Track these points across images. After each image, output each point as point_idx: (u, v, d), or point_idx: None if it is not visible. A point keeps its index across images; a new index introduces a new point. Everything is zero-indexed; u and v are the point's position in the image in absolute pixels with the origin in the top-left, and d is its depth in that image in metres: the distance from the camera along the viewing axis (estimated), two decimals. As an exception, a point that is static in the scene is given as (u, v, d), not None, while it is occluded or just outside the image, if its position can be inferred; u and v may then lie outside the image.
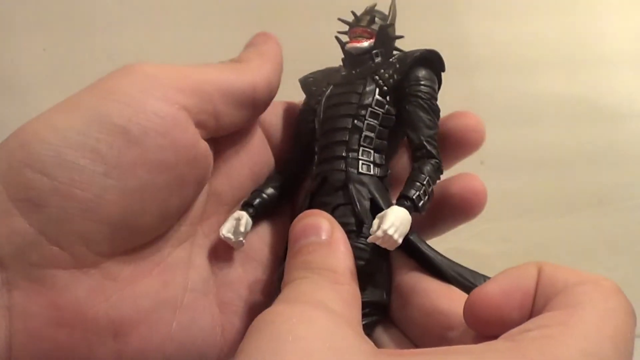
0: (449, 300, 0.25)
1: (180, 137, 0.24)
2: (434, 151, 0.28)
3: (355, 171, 0.27)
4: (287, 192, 0.31)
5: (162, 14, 0.63)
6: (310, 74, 0.32)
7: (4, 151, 0.21)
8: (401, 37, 0.30)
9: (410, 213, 0.26)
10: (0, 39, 0.64)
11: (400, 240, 0.25)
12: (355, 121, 0.28)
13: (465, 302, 0.22)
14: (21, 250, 0.21)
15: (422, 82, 0.29)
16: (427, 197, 0.27)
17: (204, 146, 0.26)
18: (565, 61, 0.67)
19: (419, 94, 0.29)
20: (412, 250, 0.27)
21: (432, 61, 0.30)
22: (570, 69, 0.67)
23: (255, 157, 0.30)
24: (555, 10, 0.67)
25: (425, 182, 0.27)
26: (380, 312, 0.26)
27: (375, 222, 0.25)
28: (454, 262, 0.27)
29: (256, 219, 0.29)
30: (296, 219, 0.25)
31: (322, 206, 0.27)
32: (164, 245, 0.26)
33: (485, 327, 0.21)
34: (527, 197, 0.64)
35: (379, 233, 0.24)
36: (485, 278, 0.25)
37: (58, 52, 0.62)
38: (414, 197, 0.26)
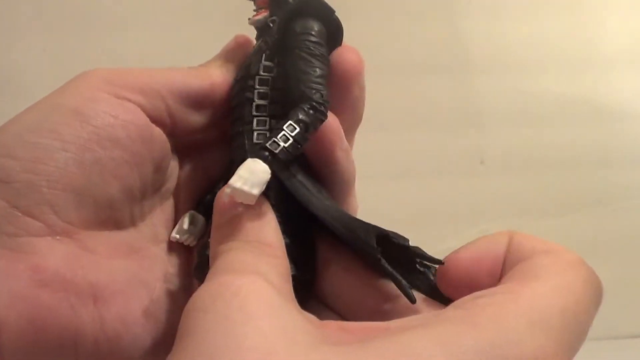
0: (377, 275, 0.25)
1: (131, 117, 0.26)
2: (310, 93, 0.26)
3: (251, 142, 0.26)
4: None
5: (162, 14, 0.63)
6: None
7: None
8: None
9: (266, 161, 0.24)
10: (0, 39, 0.64)
11: (254, 191, 0.23)
12: (246, 93, 0.27)
13: (438, 268, 0.23)
14: None
15: (298, 32, 0.27)
16: (289, 142, 0.25)
17: (158, 131, 0.27)
18: (565, 61, 0.67)
19: (296, 44, 0.27)
20: (295, 202, 0.26)
21: (309, 11, 0.28)
22: (571, 69, 0.67)
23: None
24: (555, 11, 0.67)
25: (286, 127, 0.25)
26: (307, 288, 0.26)
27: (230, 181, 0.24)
28: (341, 211, 0.25)
29: (208, 216, 0.28)
30: (222, 191, 0.24)
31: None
32: (141, 237, 0.27)
33: (457, 292, 0.22)
34: (527, 197, 0.65)
35: (227, 189, 0.23)
36: (377, 231, 0.24)
37: (58, 52, 0.62)
38: (267, 144, 0.25)
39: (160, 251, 0.28)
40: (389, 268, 0.24)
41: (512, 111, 0.67)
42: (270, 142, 0.25)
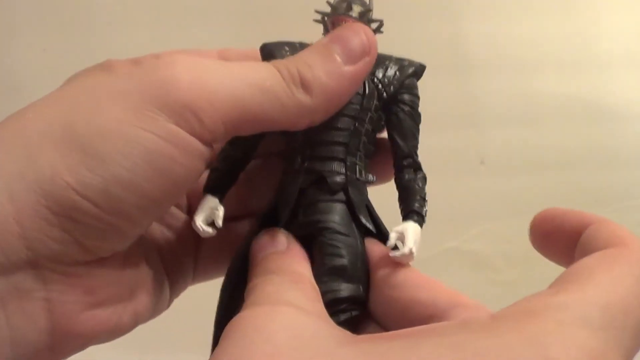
0: (427, 290, 0.25)
1: (195, 164, 0.24)
2: (419, 162, 0.29)
3: (355, 176, 0.27)
4: (238, 172, 0.29)
5: (162, 14, 0.63)
6: (283, 43, 0.29)
7: (45, 163, 0.22)
8: (381, 22, 0.29)
9: (420, 227, 0.28)
10: (0, 39, 0.64)
11: (416, 253, 0.26)
12: (357, 124, 0.27)
13: (534, 218, 0.25)
14: (57, 254, 0.23)
15: (414, 92, 0.30)
16: (427, 212, 0.28)
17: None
18: (565, 62, 0.67)
19: (411, 103, 0.29)
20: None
21: (420, 75, 0.30)
22: (570, 70, 0.67)
23: None
24: (555, 11, 0.67)
25: (425, 197, 0.28)
26: (358, 306, 0.26)
27: (393, 236, 0.26)
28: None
29: (222, 198, 0.28)
30: (256, 237, 0.26)
31: (318, 203, 0.27)
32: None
33: (544, 244, 0.24)
34: (527, 197, 0.65)
35: (406, 250, 0.26)
36: None
37: (58, 52, 0.62)
38: (423, 213, 0.28)
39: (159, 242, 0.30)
40: None
41: (512, 111, 0.67)
42: (424, 211, 0.28)
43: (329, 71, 0.25)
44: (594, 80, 0.67)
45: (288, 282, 0.23)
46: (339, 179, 0.27)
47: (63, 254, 0.23)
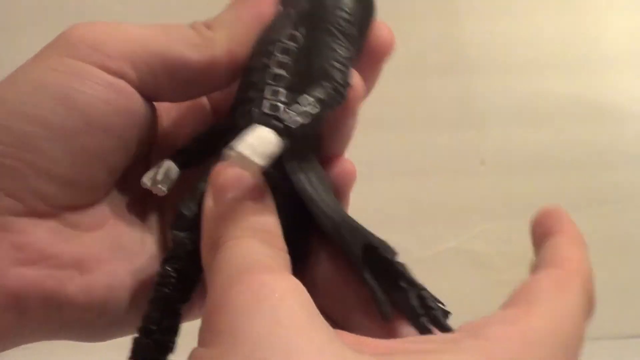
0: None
1: (125, 103, 0.25)
2: (332, 71, 0.24)
3: (261, 111, 0.25)
4: (212, 148, 0.27)
5: (162, 14, 0.63)
6: None
7: None
8: None
9: (278, 132, 0.22)
10: (0, 39, 0.64)
11: (259, 161, 0.21)
12: (263, 59, 0.25)
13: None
14: None
15: (332, 8, 0.26)
16: (305, 119, 0.23)
17: (148, 108, 0.26)
18: (565, 61, 0.67)
19: (327, 18, 0.26)
20: (290, 187, 0.24)
21: None
22: (571, 69, 0.67)
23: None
24: (555, 11, 0.67)
25: (303, 101, 0.23)
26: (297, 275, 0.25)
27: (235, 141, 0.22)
28: (338, 209, 0.24)
29: (184, 167, 0.27)
30: (221, 166, 0.23)
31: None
32: (118, 202, 0.27)
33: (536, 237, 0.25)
34: (527, 197, 0.64)
35: (232, 153, 0.21)
36: (365, 240, 0.23)
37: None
38: (281, 115, 0.23)
39: (136, 212, 0.28)
40: (369, 279, 0.23)
41: (512, 111, 0.67)
42: (284, 113, 0.23)
43: (227, 9, 0.28)
44: (595, 80, 0.67)
45: (267, 246, 0.21)
46: (246, 119, 0.25)
47: None
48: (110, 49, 0.24)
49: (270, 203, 0.23)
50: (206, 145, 0.27)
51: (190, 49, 0.25)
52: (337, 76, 0.24)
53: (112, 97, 0.24)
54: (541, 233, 0.25)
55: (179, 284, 0.25)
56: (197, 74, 0.26)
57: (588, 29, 0.67)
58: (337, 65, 0.25)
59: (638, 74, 0.68)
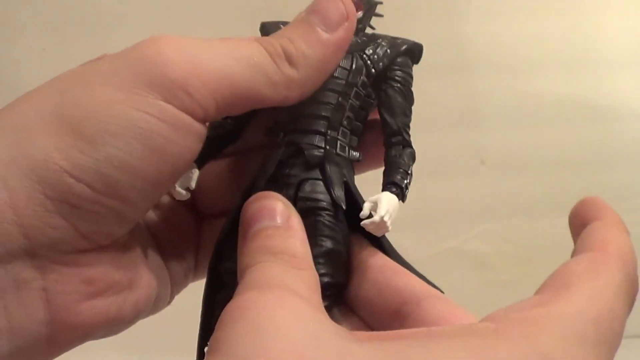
0: (404, 277, 0.25)
1: (199, 147, 0.24)
2: (409, 140, 0.27)
3: (334, 151, 0.27)
4: (222, 147, 0.29)
5: (162, 14, 0.63)
6: (280, 22, 0.29)
7: (37, 149, 0.22)
8: (380, 15, 0.29)
9: (399, 199, 0.26)
10: (0, 39, 0.64)
11: (390, 227, 0.25)
12: (340, 98, 0.27)
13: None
14: (54, 242, 0.22)
15: (406, 70, 0.28)
16: (409, 186, 0.27)
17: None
18: (565, 61, 0.67)
19: (402, 80, 0.28)
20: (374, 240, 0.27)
21: (415, 53, 0.29)
22: (571, 70, 0.67)
23: None
24: (555, 11, 0.67)
25: (408, 171, 0.27)
26: (340, 293, 0.26)
27: (367, 206, 0.25)
28: (411, 265, 0.27)
29: (201, 165, 0.28)
30: (250, 200, 0.24)
31: (290, 178, 0.26)
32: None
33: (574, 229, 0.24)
34: (527, 197, 0.65)
35: (376, 218, 0.24)
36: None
37: (58, 52, 0.62)
38: (402, 185, 0.26)
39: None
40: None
41: (512, 111, 0.67)
42: (404, 183, 0.26)
43: (310, 42, 0.25)
44: (594, 80, 0.67)
45: (288, 266, 0.22)
46: (317, 152, 0.26)
47: (61, 242, 0.22)
48: (203, 96, 0.23)
49: (296, 226, 0.24)
50: (219, 143, 0.28)
51: (270, 89, 0.25)
52: (411, 142, 0.28)
53: (196, 147, 0.24)
54: (580, 222, 0.24)
55: None
56: (266, 106, 0.26)
57: (588, 29, 0.67)
58: (409, 131, 0.28)
59: (637, 74, 0.68)
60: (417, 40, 0.30)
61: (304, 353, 0.17)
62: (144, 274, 0.26)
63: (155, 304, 0.27)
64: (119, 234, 0.24)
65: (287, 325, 0.18)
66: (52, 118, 0.22)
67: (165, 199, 0.29)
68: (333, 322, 0.20)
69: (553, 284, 0.20)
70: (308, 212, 0.25)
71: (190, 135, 0.23)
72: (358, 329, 0.25)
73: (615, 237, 0.22)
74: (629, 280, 0.20)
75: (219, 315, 0.20)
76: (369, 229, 0.25)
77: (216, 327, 0.19)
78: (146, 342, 0.59)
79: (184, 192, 0.27)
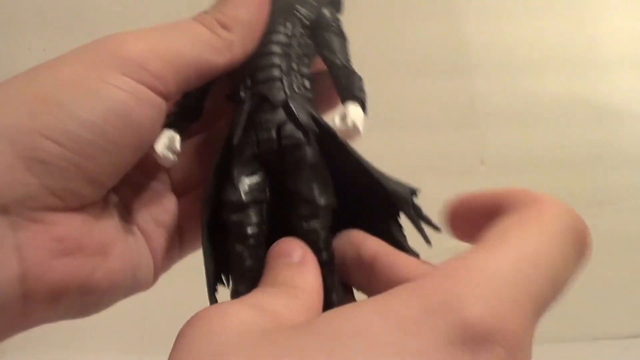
0: (410, 268, 0.27)
1: (161, 120, 0.27)
2: (354, 70, 0.29)
3: (294, 91, 0.29)
4: (193, 117, 0.31)
5: (162, 14, 0.63)
6: None
7: (12, 117, 0.24)
8: None
9: (362, 107, 0.28)
10: (0, 39, 0.64)
11: (362, 131, 0.27)
12: (285, 49, 0.29)
13: (447, 206, 0.25)
14: (23, 198, 0.24)
15: (334, 16, 0.31)
16: (366, 101, 0.28)
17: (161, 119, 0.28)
18: (565, 62, 0.67)
19: (333, 24, 0.31)
20: (344, 155, 0.28)
21: (338, 2, 0.32)
22: (571, 70, 0.67)
23: None
24: (556, 12, 0.67)
25: (363, 88, 0.28)
26: (331, 216, 0.28)
27: (336, 117, 0.27)
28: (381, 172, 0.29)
29: (183, 131, 0.30)
30: (274, 244, 0.27)
31: (268, 123, 0.28)
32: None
33: (459, 231, 0.25)
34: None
35: (349, 122, 0.27)
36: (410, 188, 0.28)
37: (58, 52, 0.62)
38: (362, 97, 0.28)
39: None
40: (417, 217, 0.29)
41: (512, 111, 0.67)
42: (362, 95, 0.28)
43: (236, 6, 0.29)
44: (595, 80, 0.67)
45: (281, 293, 0.23)
46: (280, 95, 0.28)
47: (30, 198, 0.24)
48: (158, 69, 0.26)
49: (310, 263, 0.26)
50: (194, 106, 0.31)
51: (215, 54, 0.28)
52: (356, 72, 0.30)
53: (158, 118, 0.26)
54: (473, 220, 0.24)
55: None
56: (219, 73, 0.28)
57: (588, 29, 0.67)
58: (351, 65, 0.30)
59: (638, 74, 0.68)
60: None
61: (226, 353, 0.18)
62: (118, 245, 0.27)
63: (136, 279, 0.28)
64: (88, 197, 0.26)
65: (219, 331, 0.19)
66: (26, 88, 0.25)
67: (145, 179, 0.30)
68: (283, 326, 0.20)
69: (480, 241, 0.20)
70: (293, 148, 0.27)
71: (149, 106, 0.26)
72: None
73: (544, 193, 0.22)
74: (573, 228, 0.21)
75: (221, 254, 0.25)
76: (344, 135, 0.27)
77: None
78: (146, 342, 0.59)
79: (170, 155, 0.28)
